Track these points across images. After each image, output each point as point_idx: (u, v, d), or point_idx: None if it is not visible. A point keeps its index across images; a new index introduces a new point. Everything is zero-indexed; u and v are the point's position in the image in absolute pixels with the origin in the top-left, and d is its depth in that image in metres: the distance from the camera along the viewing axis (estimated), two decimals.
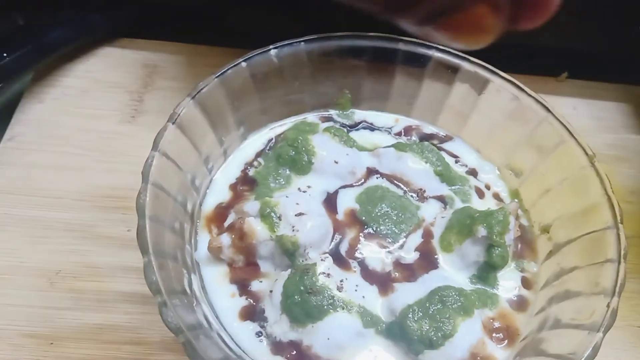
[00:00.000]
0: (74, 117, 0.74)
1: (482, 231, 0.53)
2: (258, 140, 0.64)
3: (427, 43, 0.63)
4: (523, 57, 0.82)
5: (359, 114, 0.68)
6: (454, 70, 0.63)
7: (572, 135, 0.57)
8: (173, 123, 0.54)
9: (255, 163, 0.62)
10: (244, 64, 0.60)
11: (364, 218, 0.57)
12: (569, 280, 0.52)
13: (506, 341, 0.52)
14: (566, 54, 0.84)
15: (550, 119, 0.59)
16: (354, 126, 0.67)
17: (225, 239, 0.53)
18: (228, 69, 0.59)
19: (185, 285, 0.48)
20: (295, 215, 0.53)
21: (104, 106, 0.76)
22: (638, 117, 0.82)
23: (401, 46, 0.63)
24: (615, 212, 0.52)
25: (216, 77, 0.58)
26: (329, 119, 0.67)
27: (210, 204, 0.59)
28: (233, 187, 0.60)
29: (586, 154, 0.56)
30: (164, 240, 0.48)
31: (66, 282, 0.61)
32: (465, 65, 0.63)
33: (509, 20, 0.52)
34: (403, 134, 0.67)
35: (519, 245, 0.58)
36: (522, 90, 0.61)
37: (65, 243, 0.63)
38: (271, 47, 0.61)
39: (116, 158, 0.70)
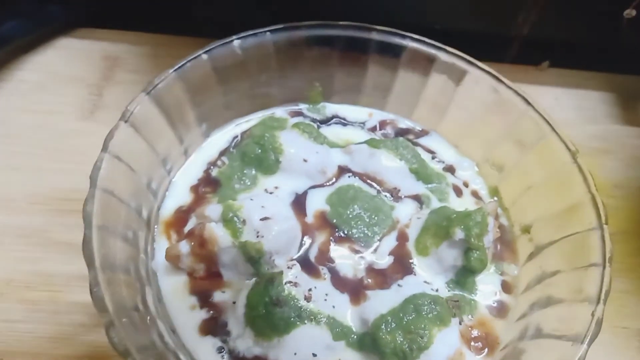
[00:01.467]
0: (28, 113, 0.69)
1: (459, 234, 0.50)
2: (222, 137, 0.60)
3: (402, 32, 0.59)
4: (503, 45, 0.79)
5: (331, 108, 0.64)
6: (429, 61, 0.60)
7: (554, 129, 0.54)
8: (126, 121, 0.50)
9: (219, 162, 0.58)
10: (204, 56, 0.56)
11: (335, 220, 0.53)
12: (551, 285, 0.49)
13: (486, 350, 0.49)
14: (547, 42, 0.80)
15: (530, 112, 0.56)
16: (325, 121, 0.63)
17: (184, 247, 0.49)
18: (187, 62, 0.55)
19: (138, 300, 0.45)
20: (260, 219, 0.50)
21: (61, 101, 0.71)
22: (621, 107, 0.79)
23: (374, 35, 0.60)
24: (599, 212, 0.49)
25: (174, 70, 0.54)
26: (298, 113, 0.63)
27: (169, 208, 0.55)
28: (194, 188, 0.56)
29: (568, 149, 0.53)
30: (115, 252, 0.45)
31: (18, 292, 0.57)
32: (442, 55, 0.59)
33: None
34: (377, 128, 0.63)
35: (499, 246, 0.55)
36: (501, 82, 0.57)
37: (17, 250, 0.59)
38: (234, 37, 0.57)
39: (73, 157, 0.66)
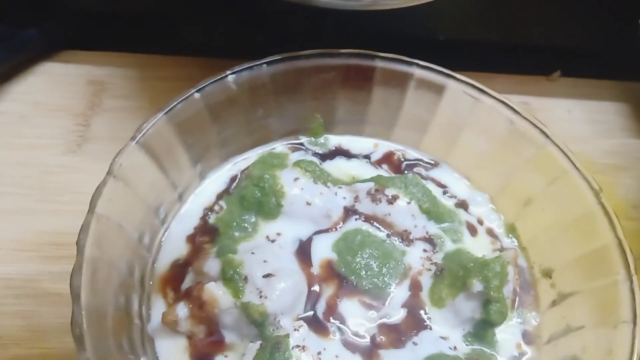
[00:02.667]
0: (10, 149, 0.65)
1: (477, 286, 0.47)
2: (219, 179, 0.56)
3: (407, 59, 0.55)
4: (512, 55, 0.75)
5: (333, 140, 0.60)
6: (438, 88, 0.56)
7: (575, 165, 0.50)
8: (114, 176, 0.46)
9: (216, 207, 0.54)
10: (197, 95, 0.52)
11: (342, 270, 0.50)
12: (577, 342, 0.45)
13: None
14: (558, 51, 0.76)
15: (549, 146, 0.52)
16: (329, 155, 0.59)
17: (182, 310, 0.46)
18: (177, 103, 0.51)
19: None
20: (263, 276, 0.46)
21: (45, 134, 0.66)
22: (637, 119, 0.75)
23: (378, 63, 0.55)
24: (627, 261, 0.45)
25: (164, 113, 0.50)
26: (299, 148, 0.59)
27: (164, 262, 0.51)
28: (191, 239, 0.52)
29: (591, 187, 0.49)
30: (107, 325, 0.41)
31: (8, 350, 0.53)
32: (451, 83, 0.55)
33: None
34: (384, 161, 0.59)
35: (517, 290, 0.51)
36: (517, 112, 0.53)
37: (5, 303, 0.55)
38: (228, 72, 0.53)
39: (61, 196, 0.62)
